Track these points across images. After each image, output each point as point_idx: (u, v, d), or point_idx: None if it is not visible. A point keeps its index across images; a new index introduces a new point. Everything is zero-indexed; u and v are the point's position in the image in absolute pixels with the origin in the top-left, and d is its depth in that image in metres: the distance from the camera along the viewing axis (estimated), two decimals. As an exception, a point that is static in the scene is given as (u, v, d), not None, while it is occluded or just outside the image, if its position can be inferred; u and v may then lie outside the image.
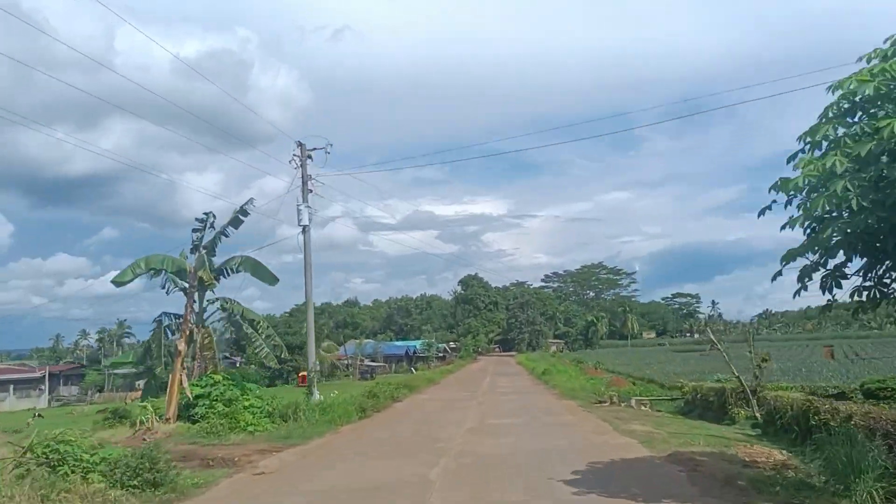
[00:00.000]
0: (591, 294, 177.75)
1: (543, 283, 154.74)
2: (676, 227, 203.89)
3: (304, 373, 76.18)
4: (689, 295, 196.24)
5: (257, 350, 21.90)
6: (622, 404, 24.78)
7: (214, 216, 21.52)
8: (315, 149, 25.38)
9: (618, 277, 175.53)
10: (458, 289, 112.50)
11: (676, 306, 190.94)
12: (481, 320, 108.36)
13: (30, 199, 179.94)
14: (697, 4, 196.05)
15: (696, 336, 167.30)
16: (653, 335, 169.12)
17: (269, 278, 21.92)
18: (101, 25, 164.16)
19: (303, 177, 25.20)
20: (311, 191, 25.55)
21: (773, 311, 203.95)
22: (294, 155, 24.59)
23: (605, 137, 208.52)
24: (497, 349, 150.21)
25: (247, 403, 19.87)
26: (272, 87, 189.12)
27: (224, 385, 20.25)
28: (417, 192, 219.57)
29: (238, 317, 21.99)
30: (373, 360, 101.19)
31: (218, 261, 22.30)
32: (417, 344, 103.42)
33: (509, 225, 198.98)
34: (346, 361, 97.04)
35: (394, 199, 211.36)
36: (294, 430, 18.94)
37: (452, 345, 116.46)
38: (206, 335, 21.03)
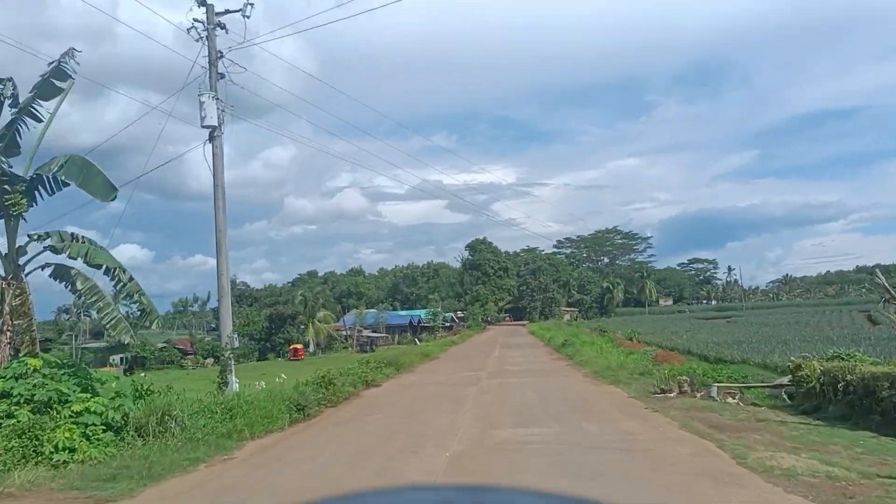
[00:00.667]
0: (606, 260, 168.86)
1: (556, 250, 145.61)
2: (688, 194, 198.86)
3: (298, 345, 68.11)
4: (705, 260, 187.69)
5: (103, 317, 12.94)
6: (698, 394, 16.11)
7: (14, 85, 12.64)
8: (228, 11, 16.38)
9: (633, 242, 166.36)
10: (466, 254, 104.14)
11: (692, 272, 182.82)
12: (490, 287, 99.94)
13: None
14: None
15: (714, 303, 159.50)
16: (669, 302, 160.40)
17: (103, 190, 12.91)
18: None
19: (209, 53, 16.31)
20: (222, 76, 16.67)
21: (792, 277, 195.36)
22: (194, 21, 15.65)
23: (615, 104, 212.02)
24: (508, 318, 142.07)
25: (77, 409, 11.31)
26: (278, 55, 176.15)
27: (42, 377, 11.69)
28: (426, 161, 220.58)
29: (76, 262, 13.13)
30: (374, 331, 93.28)
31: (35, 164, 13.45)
32: (422, 313, 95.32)
33: (519, 193, 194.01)
34: (345, 332, 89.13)
35: (403, 169, 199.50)
36: (144, 458, 10.45)
37: (461, 314, 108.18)
38: (18, 293, 12.41)
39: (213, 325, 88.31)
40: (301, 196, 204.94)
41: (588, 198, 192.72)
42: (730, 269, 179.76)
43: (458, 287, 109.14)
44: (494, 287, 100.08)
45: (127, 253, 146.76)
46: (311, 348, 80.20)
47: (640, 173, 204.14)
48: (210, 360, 67.33)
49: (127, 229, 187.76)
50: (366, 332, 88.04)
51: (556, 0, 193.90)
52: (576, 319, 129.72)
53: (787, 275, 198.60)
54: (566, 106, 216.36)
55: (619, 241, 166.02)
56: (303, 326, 77.37)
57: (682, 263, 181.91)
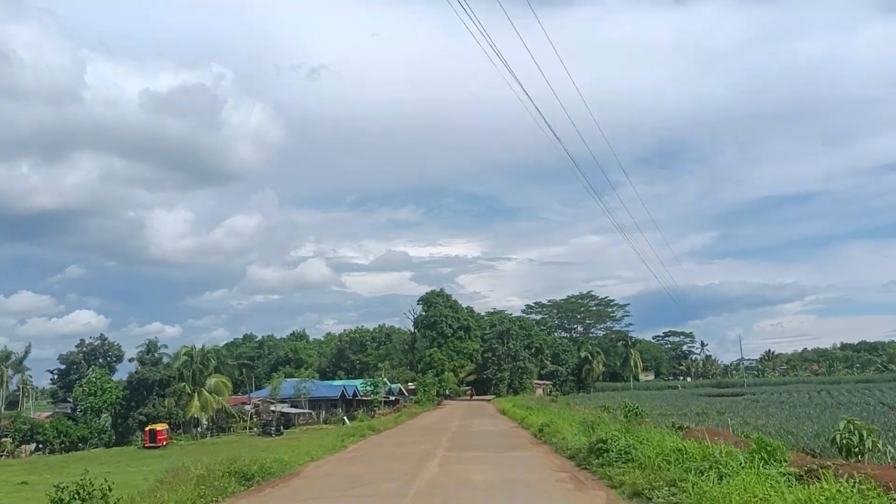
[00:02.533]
0: (580, 329, 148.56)
1: (524, 315, 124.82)
2: (650, 272, 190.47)
3: (160, 426, 44.18)
4: (681, 333, 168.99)
5: None
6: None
7: None
8: None
9: (610, 310, 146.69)
10: (419, 309, 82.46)
11: (667, 346, 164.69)
12: (448, 351, 78.13)
13: None
14: (674, 53, 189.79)
15: (688, 379, 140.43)
16: (651, 377, 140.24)
17: None
18: (70, 58, 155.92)
19: None
20: None
21: (775, 353, 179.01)
22: None
23: (579, 183, 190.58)
24: (470, 391, 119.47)
25: None
26: (245, 125, 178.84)
27: None
28: (392, 233, 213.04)
29: None
30: (294, 405, 70.44)
31: None
32: (358, 384, 72.96)
33: (484, 267, 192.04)
34: (251, 407, 66.47)
35: (368, 241, 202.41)
36: None
37: (412, 385, 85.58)
38: None
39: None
40: (265, 265, 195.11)
41: (552, 273, 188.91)
42: (703, 344, 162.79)
43: (409, 352, 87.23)
44: (452, 350, 78.38)
45: (81, 319, 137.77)
46: (200, 428, 57.16)
47: (603, 250, 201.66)
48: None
49: (83, 295, 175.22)
50: (280, 408, 65.15)
51: (524, 78, 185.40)
52: (549, 394, 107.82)
53: (769, 350, 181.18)
54: (532, 183, 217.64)
55: (595, 308, 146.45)
56: (186, 397, 54.51)
57: (657, 336, 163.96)
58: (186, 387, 54.90)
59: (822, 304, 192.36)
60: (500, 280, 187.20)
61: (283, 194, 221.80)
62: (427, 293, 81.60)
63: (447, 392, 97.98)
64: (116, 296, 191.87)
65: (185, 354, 55.18)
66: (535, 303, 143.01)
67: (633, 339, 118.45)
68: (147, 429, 44.96)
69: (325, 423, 67.47)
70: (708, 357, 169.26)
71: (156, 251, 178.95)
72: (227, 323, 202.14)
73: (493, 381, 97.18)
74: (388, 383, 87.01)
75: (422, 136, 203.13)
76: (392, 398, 78.74)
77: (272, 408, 65.15)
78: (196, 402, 53.83)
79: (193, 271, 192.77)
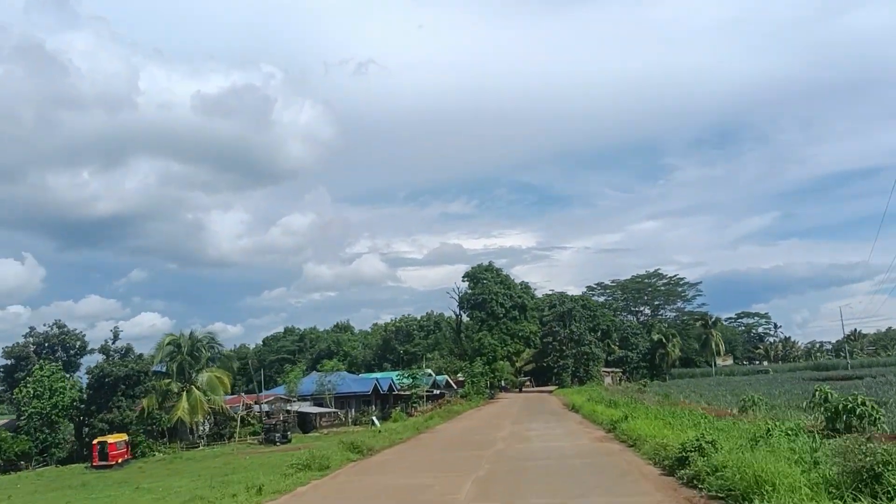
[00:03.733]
0: (647, 311, 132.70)
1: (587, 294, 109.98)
2: (710, 256, 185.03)
3: (114, 438, 32.92)
4: (755, 314, 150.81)
5: None
6: None
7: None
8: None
9: (680, 289, 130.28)
10: (464, 287, 68.95)
11: (742, 328, 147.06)
12: (500, 334, 64.60)
13: (58, 241, 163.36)
14: (727, 31, 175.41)
15: (765, 363, 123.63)
16: (730, 361, 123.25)
17: None
18: (124, 65, 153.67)
19: None
20: None
21: (862, 332, 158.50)
22: None
23: (634, 168, 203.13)
24: (529, 382, 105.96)
25: None
26: (295, 123, 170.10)
27: None
28: (446, 226, 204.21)
29: None
30: (319, 404, 58.47)
31: None
32: (394, 376, 60.49)
33: (539, 257, 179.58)
34: (258, 407, 54.61)
35: (422, 235, 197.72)
36: None
37: (462, 376, 72.52)
38: None
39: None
40: (320, 262, 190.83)
41: (608, 261, 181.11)
42: (775, 325, 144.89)
43: (455, 339, 74.43)
44: (506, 334, 64.80)
45: (147, 322, 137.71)
46: (195, 434, 45.55)
47: (660, 236, 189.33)
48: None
49: (147, 297, 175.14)
50: (298, 407, 53.17)
51: (573, 65, 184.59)
52: (619, 383, 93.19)
53: (855, 329, 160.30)
54: (585, 170, 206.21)
55: (663, 287, 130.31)
56: (174, 398, 42.85)
57: (730, 318, 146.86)
58: (173, 384, 43.17)
59: (894, 282, 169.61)
60: (556, 270, 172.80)
61: (336, 191, 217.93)
62: (473, 268, 68.34)
63: (502, 383, 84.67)
64: (178, 297, 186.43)
65: (169, 343, 43.45)
66: (598, 284, 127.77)
67: (713, 319, 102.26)
68: (95, 442, 33.27)
69: (355, 424, 55.23)
70: (787, 339, 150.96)
71: (214, 252, 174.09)
72: (286, 321, 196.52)
73: (555, 370, 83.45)
74: (433, 375, 74.20)
75: (471, 127, 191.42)
76: (437, 392, 65.96)
77: (289, 407, 53.20)
78: (184, 403, 42.03)
79: (251, 271, 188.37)
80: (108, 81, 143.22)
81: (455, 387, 71.97)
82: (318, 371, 60.71)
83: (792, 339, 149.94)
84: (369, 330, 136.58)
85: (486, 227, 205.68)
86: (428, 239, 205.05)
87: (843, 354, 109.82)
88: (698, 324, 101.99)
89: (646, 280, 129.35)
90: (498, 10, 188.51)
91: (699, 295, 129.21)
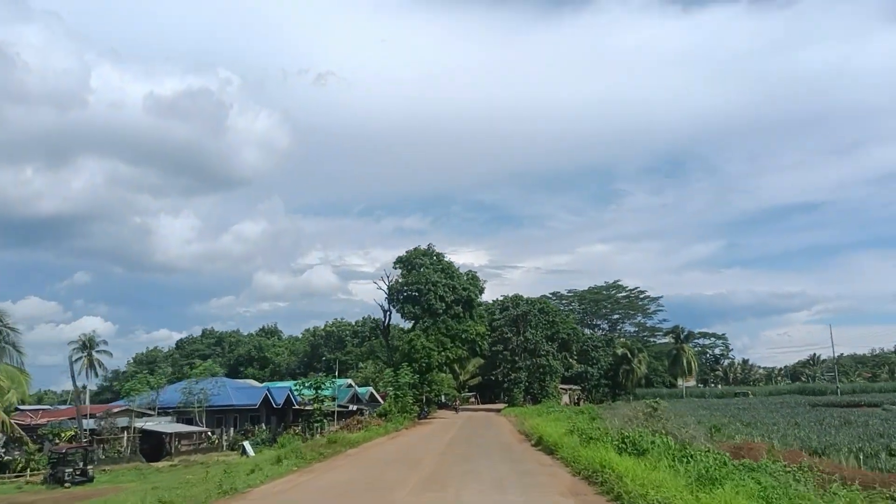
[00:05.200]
0: (605, 326, 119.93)
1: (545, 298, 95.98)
2: (657, 281, 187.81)
3: None
4: (713, 335, 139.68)
5: None
6: None
7: None
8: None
9: (642, 302, 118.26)
10: (395, 274, 53.18)
11: (697, 348, 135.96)
12: (438, 336, 49.47)
13: None
14: (682, 62, 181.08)
15: (720, 386, 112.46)
16: (692, 382, 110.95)
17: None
18: (76, 62, 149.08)
19: None
20: None
21: (820, 357, 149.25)
22: None
23: (587, 192, 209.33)
24: (474, 398, 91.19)
25: None
26: (251, 130, 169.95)
27: None
28: (400, 241, 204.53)
29: None
30: (187, 419, 42.50)
31: None
32: (292, 386, 45.17)
33: (490, 275, 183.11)
34: (88, 423, 38.28)
35: (375, 249, 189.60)
36: None
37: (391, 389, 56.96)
38: None
39: None
40: (271, 272, 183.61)
41: (558, 282, 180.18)
42: (728, 347, 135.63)
43: (380, 342, 59.35)
44: (445, 335, 49.53)
45: (89, 326, 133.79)
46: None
47: (610, 259, 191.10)
48: None
49: (90, 301, 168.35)
50: (148, 424, 37.30)
51: (533, 87, 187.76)
52: (577, 402, 79.17)
53: (814, 354, 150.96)
54: (539, 191, 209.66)
55: (623, 300, 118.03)
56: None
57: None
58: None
59: (831, 312, 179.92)
60: (507, 288, 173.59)
61: (290, 201, 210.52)
62: (408, 251, 53.02)
63: (442, 398, 69.65)
64: (123, 302, 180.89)
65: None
66: (553, 293, 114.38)
67: (685, 333, 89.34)
68: None
69: (234, 448, 39.54)
70: (745, 361, 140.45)
71: (161, 257, 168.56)
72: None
73: (505, 384, 68.77)
74: (354, 386, 58.69)
75: (429, 144, 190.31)
76: (353, 408, 50.52)
77: (140, 423, 37.18)
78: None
79: (200, 277, 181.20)
80: (59, 78, 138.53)
81: (382, 401, 56.77)
82: (194, 376, 44.52)
83: (750, 363, 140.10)
84: (300, 336, 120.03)
85: (440, 243, 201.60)
86: (381, 253, 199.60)
87: (831, 378, 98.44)
88: (668, 337, 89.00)
89: (604, 291, 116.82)
90: (461, 29, 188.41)
91: (660, 310, 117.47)
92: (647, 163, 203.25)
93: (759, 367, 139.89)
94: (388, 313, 54.97)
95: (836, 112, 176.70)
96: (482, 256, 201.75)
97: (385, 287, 53.49)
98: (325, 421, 42.85)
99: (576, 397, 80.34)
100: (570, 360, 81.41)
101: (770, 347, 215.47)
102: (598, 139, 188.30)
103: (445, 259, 53.70)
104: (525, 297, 73.98)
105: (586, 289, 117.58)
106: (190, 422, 41.85)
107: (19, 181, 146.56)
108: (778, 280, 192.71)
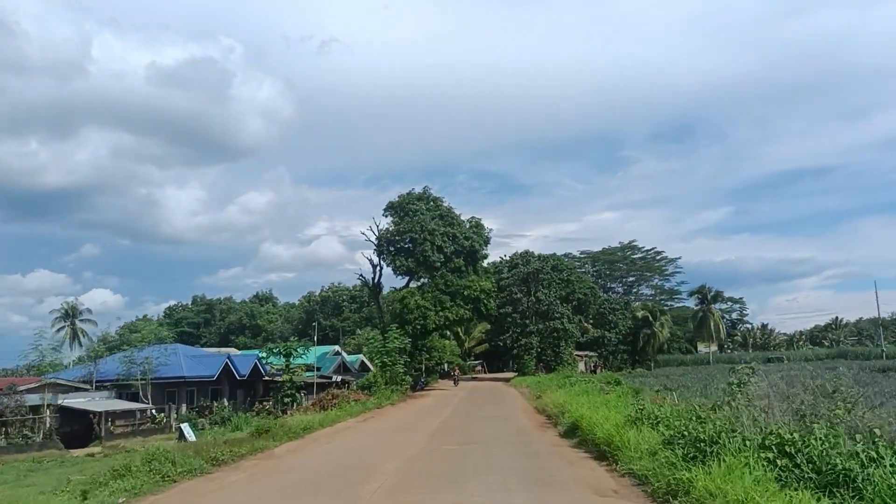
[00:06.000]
0: (619, 289, 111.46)
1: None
2: (665, 249, 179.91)
3: None
4: (730, 299, 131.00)
5: None
6: None
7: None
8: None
9: (659, 263, 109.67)
10: (385, 222, 44.67)
11: (702, 315, 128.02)
12: (435, 293, 41.32)
13: (3, 211, 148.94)
14: (690, 27, 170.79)
15: (747, 350, 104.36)
16: (714, 348, 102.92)
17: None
18: (76, 31, 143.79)
19: None
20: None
21: (843, 320, 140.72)
22: None
23: (594, 159, 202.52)
24: (480, 368, 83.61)
25: None
26: (255, 99, 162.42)
27: None
28: None
29: None
30: (132, 394, 34.79)
31: None
32: (262, 354, 37.19)
33: (498, 244, 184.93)
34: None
35: (382, 218, 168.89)
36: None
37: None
38: None
39: None
40: (277, 242, 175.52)
41: (566, 250, 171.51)
42: (744, 312, 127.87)
43: (370, 302, 51.58)
44: (443, 292, 41.24)
45: (98, 298, 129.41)
46: None
47: (617, 227, 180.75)
48: None
49: (98, 273, 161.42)
50: (76, 402, 29.62)
51: (538, 54, 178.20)
52: (593, 370, 71.39)
53: (836, 317, 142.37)
54: (546, 159, 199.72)
55: (639, 261, 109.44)
56: None
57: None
58: None
59: (840, 278, 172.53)
60: None
61: (295, 171, 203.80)
62: (401, 196, 44.41)
63: (445, 368, 61.99)
64: (132, 274, 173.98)
65: None
66: (565, 254, 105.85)
67: (712, 293, 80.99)
68: None
69: (186, 428, 31.84)
70: (764, 326, 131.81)
71: (168, 229, 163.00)
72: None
73: (515, 351, 60.92)
74: (342, 353, 50.96)
75: (434, 112, 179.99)
76: (337, 379, 42.75)
77: (61, 400, 29.55)
78: None
79: (207, 249, 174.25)
80: (59, 48, 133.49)
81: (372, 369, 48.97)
82: (136, 342, 36.56)
83: (770, 327, 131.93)
84: (297, 303, 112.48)
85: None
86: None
87: (870, 341, 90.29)
88: (693, 298, 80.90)
89: (619, 253, 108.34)
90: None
91: (678, 272, 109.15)
92: (654, 129, 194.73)
93: (779, 332, 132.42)
94: (379, 269, 46.80)
95: (846, 76, 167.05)
96: (489, 225, 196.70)
97: (374, 237, 45.23)
98: (298, 395, 35.16)
99: (592, 365, 72.54)
100: (586, 324, 73.37)
101: (779, 313, 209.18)
102: (605, 105, 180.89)
103: (444, 204, 45.12)
104: (536, 253, 65.62)
105: (600, 250, 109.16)
106: (136, 397, 34.26)
107: (24, 153, 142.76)
108: (787, 246, 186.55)
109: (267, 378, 37.97)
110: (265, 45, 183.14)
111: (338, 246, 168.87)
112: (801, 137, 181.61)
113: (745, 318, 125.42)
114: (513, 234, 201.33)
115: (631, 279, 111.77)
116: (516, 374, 58.49)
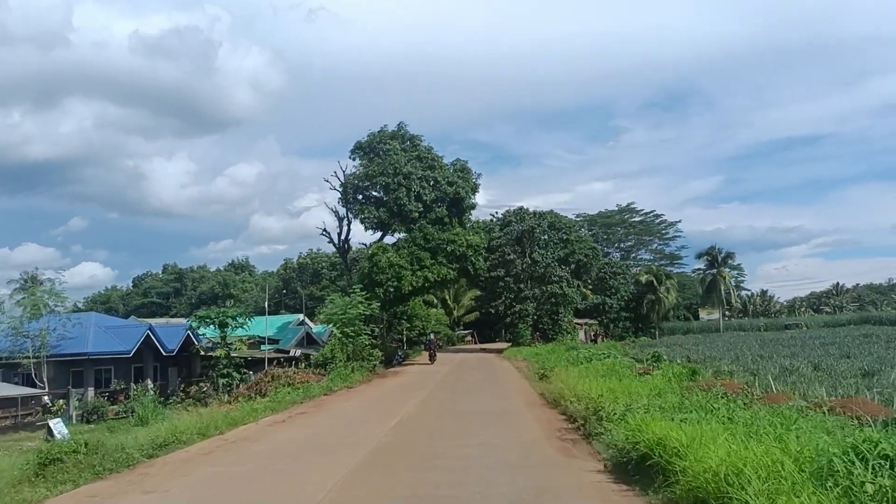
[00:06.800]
0: (616, 255, 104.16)
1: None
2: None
3: None
4: (729, 265, 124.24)
5: None
6: None
7: None
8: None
9: (659, 225, 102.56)
10: (352, 165, 36.99)
11: (711, 279, 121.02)
12: (410, 249, 33.99)
13: None
14: None
15: (743, 318, 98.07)
16: (716, 315, 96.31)
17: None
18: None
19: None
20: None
21: (843, 286, 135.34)
22: None
23: (584, 129, 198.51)
24: (470, 339, 76.58)
25: None
26: (242, 69, 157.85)
27: None
28: None
29: None
30: (26, 375, 27.29)
31: None
32: (192, 323, 29.56)
33: (489, 214, 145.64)
34: None
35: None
36: None
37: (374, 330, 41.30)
38: None
39: None
40: (268, 214, 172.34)
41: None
42: (741, 278, 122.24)
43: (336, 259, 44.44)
44: (423, 248, 33.88)
45: (87, 272, 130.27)
46: None
47: (609, 197, 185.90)
48: None
49: (87, 247, 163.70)
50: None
51: (529, 23, 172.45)
52: (594, 339, 64.57)
53: (837, 283, 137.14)
54: (536, 129, 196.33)
55: (638, 224, 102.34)
56: None
57: (697, 270, 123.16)
58: None
59: (829, 246, 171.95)
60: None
61: (285, 142, 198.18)
62: (370, 135, 36.52)
63: (430, 338, 54.76)
64: (121, 247, 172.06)
65: None
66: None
67: (723, 254, 73.86)
68: None
69: (88, 421, 24.57)
70: (764, 292, 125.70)
71: (157, 201, 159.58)
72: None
73: (508, 319, 53.75)
74: (308, 323, 43.69)
75: (424, 82, 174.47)
76: (295, 353, 35.48)
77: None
78: None
79: (197, 222, 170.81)
80: (40, 16, 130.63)
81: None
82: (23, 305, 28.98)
83: (769, 294, 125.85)
84: (275, 271, 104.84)
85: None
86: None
87: (873, 307, 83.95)
88: (701, 260, 73.86)
89: (616, 216, 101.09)
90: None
91: (679, 235, 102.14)
92: (646, 98, 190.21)
93: (778, 299, 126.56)
94: (346, 221, 39.21)
95: (840, 42, 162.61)
96: (481, 196, 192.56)
97: (339, 184, 37.50)
98: (238, 373, 27.81)
99: (592, 333, 65.65)
100: (585, 289, 66.26)
101: (768, 282, 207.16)
102: (596, 74, 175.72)
103: (423, 143, 37.28)
104: (531, 210, 58.06)
105: (596, 213, 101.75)
106: (29, 380, 26.79)
107: (7, 125, 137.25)
108: (777, 214, 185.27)
109: (202, 352, 30.56)
110: (252, 14, 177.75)
111: (329, 217, 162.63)
112: (793, 104, 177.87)
113: (742, 285, 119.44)
114: (504, 205, 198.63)
115: (629, 243, 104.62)
116: (510, 344, 51.45)
